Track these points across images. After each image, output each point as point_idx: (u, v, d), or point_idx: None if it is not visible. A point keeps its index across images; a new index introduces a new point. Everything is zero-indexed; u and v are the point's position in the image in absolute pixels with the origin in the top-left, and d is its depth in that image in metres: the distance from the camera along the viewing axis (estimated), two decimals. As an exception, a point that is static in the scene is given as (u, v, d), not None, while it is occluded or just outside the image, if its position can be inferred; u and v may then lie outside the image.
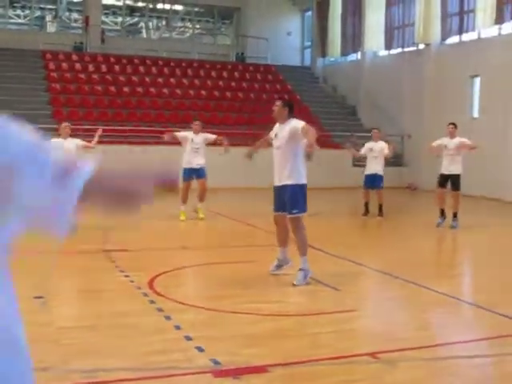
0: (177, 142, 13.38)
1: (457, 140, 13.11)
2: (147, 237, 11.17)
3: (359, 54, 26.46)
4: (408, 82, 22.83)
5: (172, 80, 24.42)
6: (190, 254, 9.62)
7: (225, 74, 26.06)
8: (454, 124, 13.27)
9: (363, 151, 14.64)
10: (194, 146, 12.87)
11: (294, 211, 7.86)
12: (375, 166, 14.29)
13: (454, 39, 21.67)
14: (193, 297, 7.25)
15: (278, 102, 8.02)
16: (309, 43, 30.49)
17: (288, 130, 7.80)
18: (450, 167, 13.01)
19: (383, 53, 25.26)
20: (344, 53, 27.21)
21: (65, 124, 11.76)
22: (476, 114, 20.56)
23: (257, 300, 7.25)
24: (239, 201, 16.56)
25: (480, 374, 5.28)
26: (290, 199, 7.85)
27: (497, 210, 16.99)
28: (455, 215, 12.98)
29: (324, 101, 26.74)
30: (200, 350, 5.39)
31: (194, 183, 12.99)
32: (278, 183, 8.01)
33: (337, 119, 25.37)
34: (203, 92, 24.23)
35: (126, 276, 8.00)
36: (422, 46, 22.79)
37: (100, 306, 6.72)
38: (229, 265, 8.97)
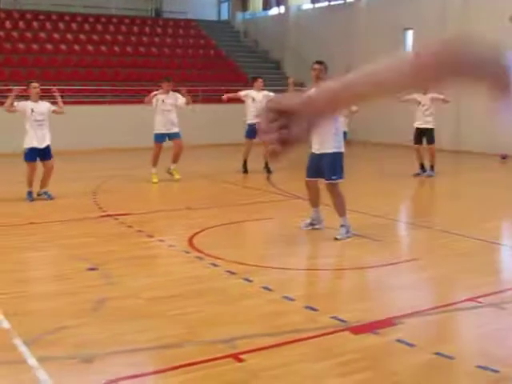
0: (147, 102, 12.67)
1: (429, 95, 13.34)
2: (139, 199, 10.78)
3: (282, 7, 26.22)
4: (337, 35, 22.90)
5: (95, 37, 23.29)
6: (201, 214, 9.29)
7: (147, 29, 25.13)
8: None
9: None
10: (165, 108, 12.27)
11: (334, 177, 7.78)
12: None
13: (383, -8, 21.88)
14: (251, 257, 7.03)
15: (317, 65, 7.80)
16: (226, -3, 29.95)
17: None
18: (424, 121, 13.31)
19: (308, 6, 25.17)
20: (266, 7, 26.92)
21: (35, 84, 10.60)
22: (408, 66, 20.97)
23: (315, 255, 7.23)
24: (204, 159, 16.12)
25: None
26: (329, 166, 7.79)
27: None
28: (432, 168, 13.39)
29: (247, 56, 26.40)
30: (313, 309, 5.28)
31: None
32: (317, 151, 7.85)
33: (263, 74, 25.13)
34: (128, 49, 23.30)
35: (161, 240, 7.67)
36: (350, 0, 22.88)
37: (167, 273, 6.39)
38: (251, 223, 8.85)
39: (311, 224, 8.19)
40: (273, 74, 25.42)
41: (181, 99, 12.46)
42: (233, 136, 20.00)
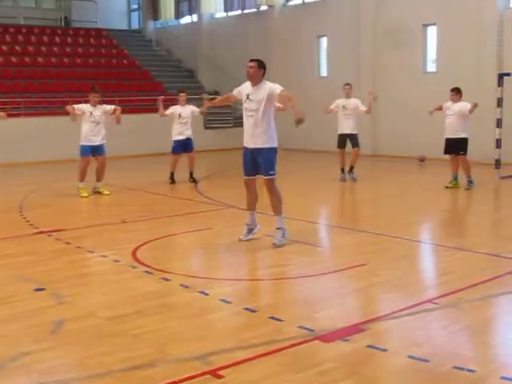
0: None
1: (354, 100, 13.61)
2: (69, 214, 10.45)
3: (195, 16, 26.14)
4: (252, 44, 23.02)
5: (4, 47, 22.47)
6: (138, 227, 9.10)
7: (57, 39, 24.47)
8: (349, 84, 13.74)
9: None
10: (93, 120, 11.93)
11: (272, 172, 7.80)
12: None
13: (296, 1, 22.17)
14: (200, 269, 6.95)
15: (253, 63, 7.77)
16: (135, 6, 29.56)
17: (266, 93, 7.63)
18: (347, 127, 13.57)
19: (221, 15, 25.18)
20: (178, 15, 26.75)
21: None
22: (324, 73, 21.35)
23: (263, 265, 7.21)
24: (126, 170, 15.79)
25: None
26: (266, 162, 7.79)
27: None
28: (351, 169, 13.68)
29: (160, 65, 26.15)
30: (277, 320, 5.25)
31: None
32: (251, 146, 7.84)
33: (177, 83, 24.97)
34: (40, 59, 22.60)
35: (103, 256, 7.43)
36: (264, 8, 23.03)
37: (119, 289, 6.18)
38: (191, 234, 8.72)
39: (249, 231, 8.14)
40: (187, 82, 25.34)
41: (109, 108, 12.19)
42: (151, 146, 19.79)
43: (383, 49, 19.24)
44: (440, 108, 12.84)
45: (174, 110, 13.63)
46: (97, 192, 12.11)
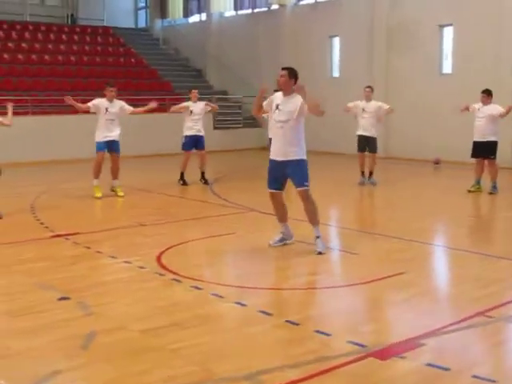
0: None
1: (374, 103, 13.26)
2: (84, 216, 10.09)
3: (203, 15, 25.78)
4: (263, 43, 22.69)
5: (10, 44, 22.12)
6: (157, 231, 8.75)
7: (64, 37, 24.12)
8: (370, 87, 13.38)
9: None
10: (108, 117, 11.54)
11: (306, 183, 7.44)
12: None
13: (308, 0, 21.82)
14: (231, 277, 6.59)
15: (284, 72, 7.40)
16: (143, 4, 29.21)
17: (299, 104, 7.27)
18: (367, 130, 13.22)
19: (230, 13, 24.83)
20: (186, 14, 26.40)
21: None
22: (336, 74, 20.99)
23: (298, 273, 6.83)
24: (135, 171, 15.37)
25: None
26: (298, 173, 7.44)
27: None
28: (370, 174, 13.34)
29: (167, 64, 25.80)
30: (324, 334, 4.88)
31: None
32: (281, 158, 7.47)
33: (185, 82, 24.64)
34: (47, 57, 22.23)
35: (127, 262, 7.05)
36: (275, 7, 22.67)
37: (149, 299, 5.81)
38: (215, 239, 8.33)
39: (281, 240, 7.79)
40: (195, 82, 24.96)
41: (127, 107, 11.84)
42: (158, 146, 19.44)
43: (397, 50, 18.87)
44: (467, 108, 12.41)
45: (187, 105, 13.31)
46: (113, 191, 11.74)
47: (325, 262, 7.12)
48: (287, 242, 7.79)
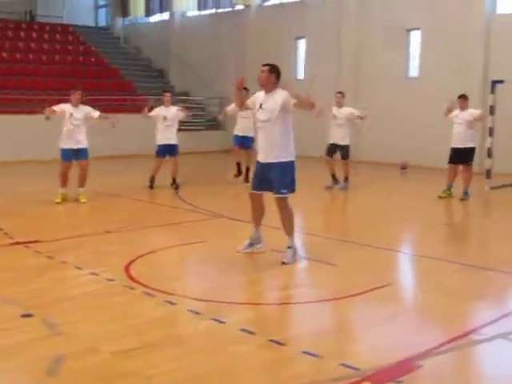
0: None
1: (345, 109, 12.97)
2: (45, 223, 9.56)
3: (166, 14, 25.29)
4: (227, 44, 22.30)
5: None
6: (124, 239, 8.31)
7: (22, 34, 23.37)
8: (341, 93, 13.10)
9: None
10: (73, 123, 10.96)
11: (283, 191, 7.04)
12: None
13: (274, 1, 21.53)
14: (205, 290, 6.17)
15: (265, 67, 7.05)
16: (103, 2, 28.56)
17: (280, 100, 6.91)
18: (338, 137, 12.93)
19: (193, 13, 24.39)
20: (148, 13, 25.87)
21: None
22: (301, 76, 20.72)
23: (275, 285, 6.48)
24: (101, 173, 14.80)
25: None
26: (280, 178, 7.02)
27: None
28: (346, 179, 13.08)
29: (128, 63, 25.22)
30: (313, 355, 4.55)
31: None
32: (264, 160, 7.10)
33: (147, 83, 24.15)
34: (4, 54, 21.49)
35: (94, 274, 6.61)
36: (239, 7, 22.32)
37: (120, 316, 5.40)
38: (185, 248, 7.96)
39: (250, 245, 7.43)
40: (157, 82, 24.56)
41: (93, 114, 11.25)
42: (122, 147, 18.93)
43: (365, 53, 18.70)
44: (449, 110, 12.16)
45: (159, 111, 12.82)
46: (77, 199, 11.10)
47: (302, 274, 6.82)
48: (256, 246, 7.44)
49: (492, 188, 13.28)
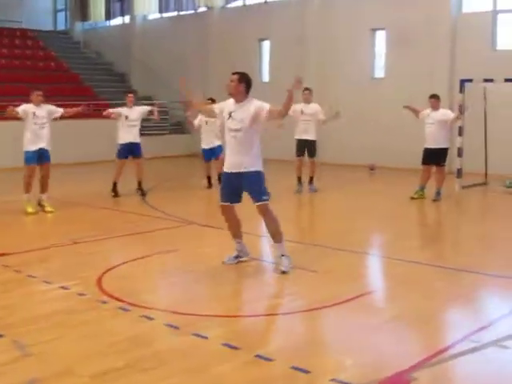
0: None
1: (313, 105, 12.81)
2: (9, 234, 9.17)
3: (127, 17, 24.88)
4: (189, 47, 22.02)
5: None
6: (93, 249, 7.99)
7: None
8: (308, 89, 12.91)
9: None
10: (37, 122, 10.50)
11: (264, 197, 6.84)
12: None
13: (237, 3, 21.30)
14: (184, 303, 5.89)
15: (234, 76, 6.82)
16: (62, 6, 28.00)
17: (252, 111, 6.70)
18: (305, 133, 12.77)
19: (155, 16, 24.04)
20: (109, 16, 25.42)
21: None
22: (266, 78, 20.53)
23: (257, 296, 6.21)
24: (62, 180, 14.38)
25: None
26: (255, 186, 6.84)
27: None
28: (311, 180, 12.89)
29: (89, 68, 24.76)
30: (303, 371, 4.34)
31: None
32: (235, 170, 6.87)
33: (108, 87, 23.71)
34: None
35: (64, 288, 6.29)
36: (202, 10, 22.04)
37: (96, 334, 5.09)
38: (158, 257, 7.67)
39: (236, 257, 7.20)
40: (118, 87, 24.08)
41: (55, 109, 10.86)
42: (82, 154, 18.51)
43: (329, 54, 18.59)
44: (416, 111, 12.07)
45: (121, 111, 12.46)
46: (40, 205, 10.71)
47: (284, 283, 6.57)
48: (242, 259, 7.22)
49: (463, 187, 13.25)
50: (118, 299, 5.86)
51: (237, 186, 6.89)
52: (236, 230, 7.15)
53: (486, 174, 14.16)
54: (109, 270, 6.94)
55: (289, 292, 6.29)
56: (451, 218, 11.01)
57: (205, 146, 13.53)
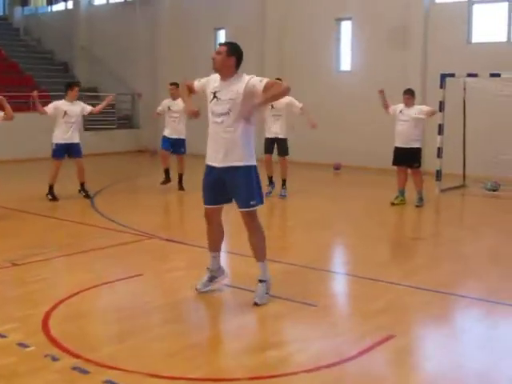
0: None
1: (286, 99, 11.52)
2: None
3: (70, 3, 23.19)
4: (138, 34, 20.53)
5: None
6: (35, 272, 6.56)
7: None
8: (279, 80, 11.57)
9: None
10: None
11: (252, 202, 5.55)
12: None
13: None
14: (157, 358, 4.53)
15: (222, 48, 5.53)
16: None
17: (242, 88, 5.40)
18: (276, 130, 11.53)
19: (101, 1, 22.43)
20: (50, 1, 23.69)
21: None
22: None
23: (252, 346, 4.86)
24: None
25: None
26: (245, 186, 5.54)
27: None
28: (284, 183, 11.65)
29: (30, 56, 23.03)
30: None
31: None
32: (220, 164, 5.55)
33: (50, 77, 22.03)
34: None
35: (2, 336, 4.86)
36: (152, -5, 20.59)
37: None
38: (118, 286, 6.29)
39: (210, 279, 5.91)
40: (61, 76, 22.40)
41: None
42: (17, 150, 16.94)
43: (291, 45, 17.36)
44: (386, 104, 10.94)
45: (58, 106, 10.95)
46: None
47: (279, 322, 5.29)
48: (217, 279, 5.94)
49: (441, 191, 12.25)
50: (72, 354, 4.49)
51: (221, 184, 5.59)
52: (217, 240, 5.87)
53: (464, 176, 13.20)
54: (57, 304, 5.55)
55: (291, 338, 4.97)
56: (450, 231, 9.53)
57: (167, 134, 12.21)
